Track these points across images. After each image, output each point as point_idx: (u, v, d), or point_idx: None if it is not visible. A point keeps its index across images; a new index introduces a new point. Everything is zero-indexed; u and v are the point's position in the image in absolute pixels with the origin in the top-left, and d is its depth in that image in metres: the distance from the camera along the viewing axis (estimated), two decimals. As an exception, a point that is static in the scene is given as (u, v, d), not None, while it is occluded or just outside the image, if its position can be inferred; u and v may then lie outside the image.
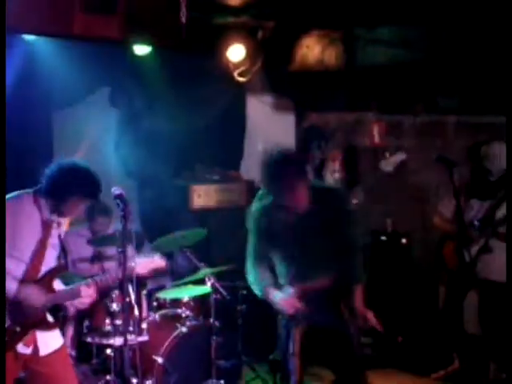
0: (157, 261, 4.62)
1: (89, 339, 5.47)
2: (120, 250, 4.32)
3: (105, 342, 5.39)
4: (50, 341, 4.21)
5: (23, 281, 4.08)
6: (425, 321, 6.90)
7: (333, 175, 7.47)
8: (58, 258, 4.27)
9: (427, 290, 6.93)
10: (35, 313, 4.11)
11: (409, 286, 7.13)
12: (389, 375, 6.60)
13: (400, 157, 6.24)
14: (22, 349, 4.10)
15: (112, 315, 5.41)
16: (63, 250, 4.29)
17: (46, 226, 4.18)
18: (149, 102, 7.03)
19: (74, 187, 4.11)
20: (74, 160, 4.25)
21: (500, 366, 6.00)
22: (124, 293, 4.42)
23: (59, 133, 6.71)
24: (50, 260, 4.22)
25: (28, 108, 6.18)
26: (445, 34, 6.95)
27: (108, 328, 5.43)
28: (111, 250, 5.64)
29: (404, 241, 7.27)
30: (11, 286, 4.01)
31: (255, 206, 4.70)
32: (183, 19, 4.79)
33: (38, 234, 4.15)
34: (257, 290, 4.59)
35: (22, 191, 4.24)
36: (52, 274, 4.21)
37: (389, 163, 6.12)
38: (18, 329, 4.06)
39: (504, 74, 5.88)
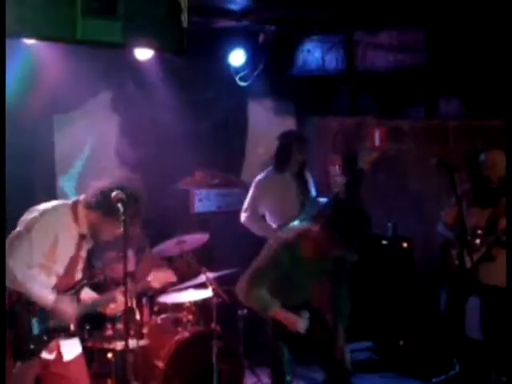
0: (170, 276, 4.73)
1: (90, 343, 5.46)
2: (121, 253, 4.33)
3: (106, 346, 5.38)
4: (71, 347, 4.31)
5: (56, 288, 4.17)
6: (426, 325, 6.90)
7: (334, 179, 7.48)
8: (83, 269, 4.32)
9: (428, 294, 6.92)
10: (64, 324, 4.21)
11: (410, 290, 7.13)
12: (390, 379, 6.60)
13: (373, 156, 6.27)
14: (45, 355, 4.18)
15: (113, 319, 5.40)
16: (89, 262, 4.35)
17: (81, 240, 4.22)
18: (150, 106, 7.03)
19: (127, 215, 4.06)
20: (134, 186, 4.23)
21: (501, 370, 5.99)
22: (125, 297, 4.43)
23: (61, 137, 6.72)
24: (78, 272, 4.30)
25: (29, 112, 6.18)
26: (445, 38, 6.96)
27: (109, 332, 5.42)
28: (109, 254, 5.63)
29: (405, 245, 7.26)
30: (50, 297, 4.09)
31: (287, 237, 4.75)
32: (185, 23, 4.77)
33: (73, 248, 4.19)
34: (262, 310, 4.73)
35: (58, 203, 4.27)
36: (79, 286, 4.28)
37: (364, 162, 6.18)
38: (45, 337, 4.15)
39: (504, 77, 5.88)
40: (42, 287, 4.08)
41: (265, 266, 4.71)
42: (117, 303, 4.36)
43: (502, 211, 5.79)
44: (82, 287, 4.31)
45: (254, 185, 6.43)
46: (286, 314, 4.71)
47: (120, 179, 4.20)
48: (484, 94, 6.94)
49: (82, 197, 4.24)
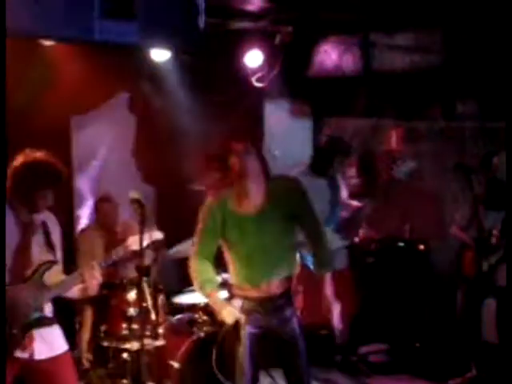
0: (154, 234, 4.54)
1: (105, 343, 5.48)
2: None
3: (121, 346, 5.40)
4: (49, 346, 4.00)
5: (9, 284, 3.86)
6: (442, 327, 6.87)
7: (349, 181, 7.46)
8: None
9: (445, 296, 6.90)
10: (30, 313, 3.92)
11: (426, 292, 7.11)
12: (405, 381, 6.57)
13: (411, 165, 6.22)
14: (19, 353, 3.89)
15: (129, 320, 5.42)
16: (52, 248, 4.05)
17: (26, 227, 3.98)
18: (167, 107, 7.05)
19: (33, 181, 3.88)
20: (31, 153, 3.96)
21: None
22: (141, 297, 4.46)
23: (78, 138, 6.75)
24: (38, 260, 4.00)
25: (47, 113, 6.22)
26: (462, 39, 6.93)
27: (125, 332, 5.44)
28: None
29: (422, 247, 7.24)
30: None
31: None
32: (202, 25, 4.79)
33: (17, 237, 3.94)
34: (199, 288, 4.35)
35: None
36: (38, 270, 3.96)
37: (400, 171, 6.11)
38: (14, 331, 3.86)
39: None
40: None
41: (204, 234, 4.32)
42: (88, 283, 3.97)
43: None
44: (43, 272, 3.96)
45: None
46: (215, 299, 4.29)
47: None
48: (501, 95, 6.90)
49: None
